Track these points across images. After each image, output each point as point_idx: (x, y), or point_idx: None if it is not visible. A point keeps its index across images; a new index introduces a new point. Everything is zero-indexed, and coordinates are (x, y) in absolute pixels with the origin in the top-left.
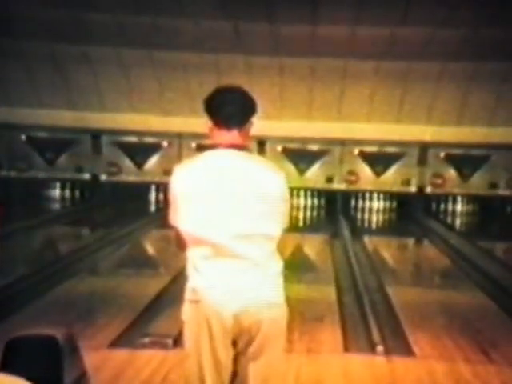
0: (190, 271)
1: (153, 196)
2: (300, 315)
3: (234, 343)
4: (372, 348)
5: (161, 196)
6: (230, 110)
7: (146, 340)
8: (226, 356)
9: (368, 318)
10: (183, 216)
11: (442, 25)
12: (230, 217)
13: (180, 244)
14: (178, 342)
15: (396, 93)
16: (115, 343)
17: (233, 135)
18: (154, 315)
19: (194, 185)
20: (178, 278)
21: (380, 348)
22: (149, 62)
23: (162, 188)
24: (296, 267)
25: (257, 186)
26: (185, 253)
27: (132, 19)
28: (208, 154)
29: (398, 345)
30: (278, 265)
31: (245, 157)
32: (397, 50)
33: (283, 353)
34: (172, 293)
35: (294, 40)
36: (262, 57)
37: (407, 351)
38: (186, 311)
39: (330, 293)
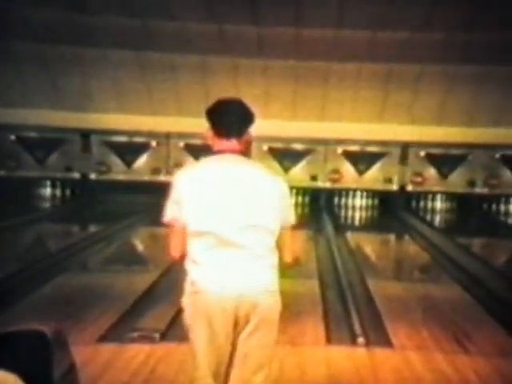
0: (189, 266)
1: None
2: (284, 308)
3: (234, 327)
4: (353, 340)
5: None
6: (230, 120)
7: (134, 334)
8: (225, 342)
9: (350, 311)
10: (189, 212)
11: (421, 28)
12: (231, 212)
13: (173, 246)
14: (165, 336)
15: (378, 94)
16: (104, 338)
17: (232, 143)
18: (143, 311)
19: (199, 185)
20: (166, 275)
21: (361, 340)
22: (137, 64)
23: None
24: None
25: (254, 186)
26: (174, 257)
27: (121, 22)
28: (210, 158)
29: (378, 336)
30: (274, 258)
31: (243, 161)
32: (378, 53)
33: (274, 341)
34: (160, 289)
35: (278, 42)
36: (248, 58)
37: (386, 342)
38: (186, 302)
39: (314, 287)
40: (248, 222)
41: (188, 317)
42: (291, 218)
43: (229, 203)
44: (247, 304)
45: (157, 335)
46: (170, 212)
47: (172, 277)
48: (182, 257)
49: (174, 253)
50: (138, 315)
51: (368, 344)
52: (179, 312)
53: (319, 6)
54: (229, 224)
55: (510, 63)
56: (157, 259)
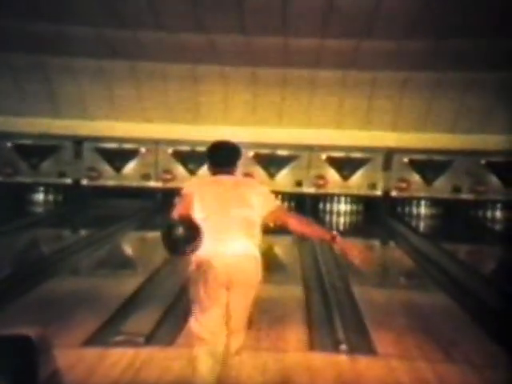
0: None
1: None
2: (268, 314)
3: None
4: (336, 346)
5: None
6: (223, 158)
7: (119, 338)
8: (222, 297)
9: (333, 317)
10: (197, 208)
11: (406, 36)
12: (227, 208)
13: (177, 210)
14: (149, 339)
15: (362, 101)
16: (89, 341)
17: (226, 173)
18: (128, 314)
19: (205, 190)
20: (153, 278)
21: (343, 347)
22: (129, 73)
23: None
24: (265, 267)
25: (243, 191)
26: (174, 216)
27: (114, 32)
28: (211, 177)
29: (362, 343)
30: (257, 241)
31: (233, 177)
32: (363, 61)
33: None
34: (146, 293)
35: (266, 51)
36: (236, 67)
37: (370, 350)
38: (192, 270)
39: (298, 292)
40: (238, 213)
41: (194, 281)
42: (273, 203)
43: (225, 203)
44: (238, 270)
45: (141, 339)
46: (188, 189)
47: (158, 280)
48: (181, 216)
49: (175, 214)
50: (124, 319)
51: (351, 351)
52: (164, 316)
53: (305, 15)
54: (225, 216)
55: (494, 70)
56: (145, 263)
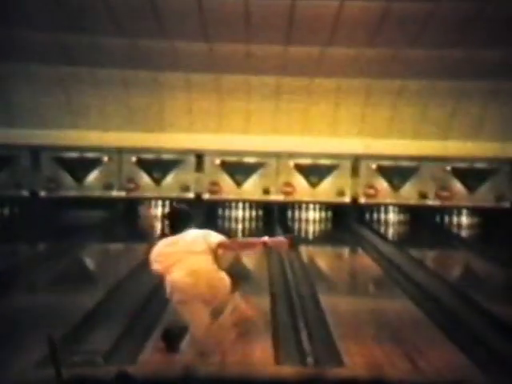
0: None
1: None
2: (232, 327)
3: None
4: (302, 359)
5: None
6: (181, 226)
7: (76, 358)
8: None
9: (300, 329)
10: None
11: (366, 45)
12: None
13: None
14: (107, 358)
15: (329, 107)
16: (44, 363)
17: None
18: (87, 332)
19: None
20: (113, 294)
21: (310, 359)
22: (89, 79)
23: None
24: (232, 278)
25: (191, 244)
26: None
27: (71, 38)
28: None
29: (329, 355)
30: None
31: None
32: (328, 68)
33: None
34: (106, 308)
35: (229, 57)
36: (200, 74)
37: (337, 361)
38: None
39: (264, 304)
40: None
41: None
42: (214, 240)
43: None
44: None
45: (99, 358)
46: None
47: (119, 295)
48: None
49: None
50: (82, 337)
51: (317, 363)
52: (124, 333)
53: (267, 23)
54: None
55: (457, 77)
56: (105, 277)
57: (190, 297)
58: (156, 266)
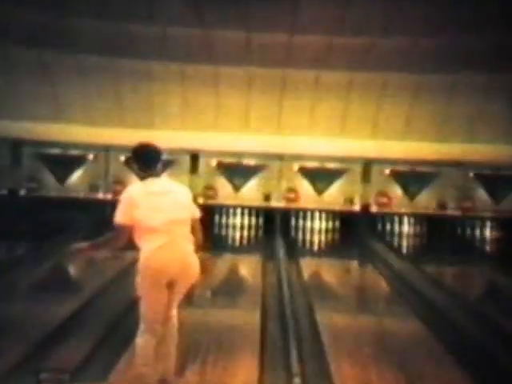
0: (143, 248)
1: None
2: (216, 343)
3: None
4: (289, 380)
5: None
6: (148, 158)
7: (41, 376)
8: (163, 296)
9: (289, 347)
10: (138, 214)
11: (383, 34)
12: (162, 212)
13: (117, 239)
14: (75, 376)
15: (338, 105)
16: (9, 378)
17: (152, 172)
18: (55, 346)
19: (142, 196)
20: (89, 302)
21: (297, 381)
22: (75, 68)
23: None
24: (224, 291)
25: (174, 195)
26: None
27: (54, 22)
28: (144, 181)
29: (319, 377)
30: (192, 244)
31: (163, 180)
32: (337, 60)
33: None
34: (79, 320)
35: (227, 47)
36: (196, 65)
37: (327, 383)
38: (139, 272)
39: (254, 320)
40: (172, 217)
41: (141, 283)
42: (197, 212)
43: (160, 208)
44: (177, 271)
45: (66, 376)
46: (120, 215)
47: (95, 305)
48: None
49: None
50: (49, 352)
51: None
52: (97, 348)
53: (270, 9)
54: (162, 219)
55: (483, 71)
56: (83, 285)
57: (157, 277)
58: (134, 211)
